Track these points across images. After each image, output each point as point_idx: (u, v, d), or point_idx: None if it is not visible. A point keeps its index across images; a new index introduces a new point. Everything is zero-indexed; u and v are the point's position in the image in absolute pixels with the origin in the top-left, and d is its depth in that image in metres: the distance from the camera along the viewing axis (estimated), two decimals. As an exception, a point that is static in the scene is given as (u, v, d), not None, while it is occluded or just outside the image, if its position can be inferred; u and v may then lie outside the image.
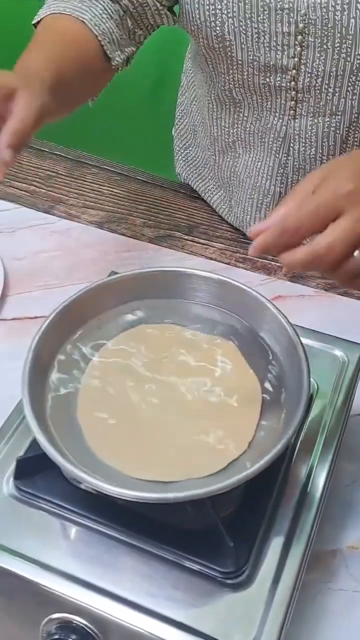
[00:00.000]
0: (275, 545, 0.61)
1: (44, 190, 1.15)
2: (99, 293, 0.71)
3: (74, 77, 0.82)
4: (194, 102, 1.09)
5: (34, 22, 0.89)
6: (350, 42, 0.79)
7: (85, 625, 0.57)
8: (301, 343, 0.65)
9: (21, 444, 0.67)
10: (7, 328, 0.93)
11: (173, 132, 1.22)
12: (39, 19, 0.88)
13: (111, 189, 1.16)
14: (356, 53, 0.80)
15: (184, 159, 1.18)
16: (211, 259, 1.04)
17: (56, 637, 0.58)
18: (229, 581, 0.58)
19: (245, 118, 0.94)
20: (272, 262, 1.04)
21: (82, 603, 0.57)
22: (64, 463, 0.57)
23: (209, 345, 0.70)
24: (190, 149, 1.15)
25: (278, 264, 1.03)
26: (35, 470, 0.64)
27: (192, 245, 1.06)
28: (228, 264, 1.03)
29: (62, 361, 0.68)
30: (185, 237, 1.08)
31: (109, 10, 0.87)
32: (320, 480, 0.66)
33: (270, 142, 0.94)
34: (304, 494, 0.65)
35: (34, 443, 0.66)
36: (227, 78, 0.90)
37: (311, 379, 0.63)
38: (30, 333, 0.67)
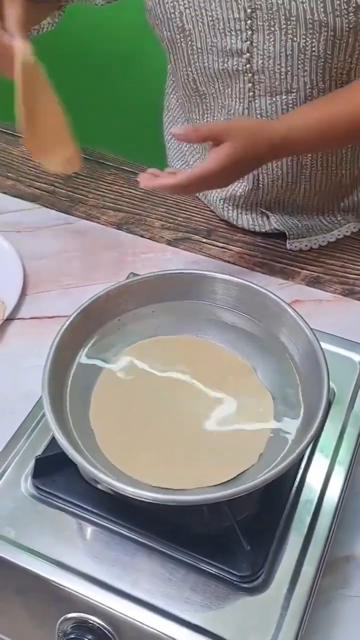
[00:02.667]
0: (292, 550, 0.61)
1: (64, 191, 1.15)
2: (120, 294, 0.71)
3: None
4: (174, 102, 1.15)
5: None
6: (294, 23, 0.85)
7: (102, 626, 0.58)
8: (321, 348, 0.65)
9: (40, 443, 0.68)
10: (26, 327, 0.93)
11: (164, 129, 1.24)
12: None
13: (130, 190, 1.16)
14: (301, 33, 0.86)
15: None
16: (229, 262, 1.04)
17: (72, 636, 0.58)
18: (245, 585, 0.59)
19: (211, 108, 1.00)
20: (289, 267, 1.04)
21: (98, 603, 0.57)
22: (84, 463, 0.57)
23: (223, 359, 0.71)
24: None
25: (295, 269, 1.03)
26: (53, 469, 0.64)
27: (210, 249, 1.06)
28: (246, 267, 1.03)
29: (81, 362, 0.68)
30: (204, 240, 1.08)
31: None
32: (337, 486, 0.66)
33: None
34: (321, 499, 0.65)
35: (53, 442, 0.66)
36: (191, 69, 0.96)
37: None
38: (49, 332, 0.67)
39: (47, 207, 1.12)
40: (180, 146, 1.19)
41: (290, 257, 1.05)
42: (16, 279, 0.97)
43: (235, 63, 0.91)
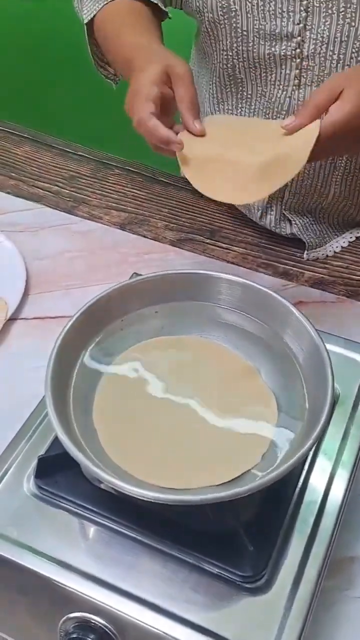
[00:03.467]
0: (295, 550, 0.61)
1: (67, 191, 1.15)
2: (124, 294, 0.71)
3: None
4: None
5: (86, 20, 0.94)
6: (355, 6, 0.81)
7: (104, 625, 0.57)
8: (325, 349, 0.64)
9: (42, 442, 0.68)
10: (28, 327, 0.93)
11: None
12: (93, 14, 0.93)
13: (133, 191, 1.17)
14: None
15: None
16: (233, 263, 1.04)
17: (74, 636, 0.58)
18: (247, 585, 0.58)
19: (249, 96, 0.95)
20: (294, 268, 1.04)
21: (100, 603, 0.57)
22: (87, 463, 0.57)
23: (227, 359, 0.71)
24: None
25: (299, 270, 1.03)
26: (55, 469, 0.64)
27: (214, 249, 1.06)
28: (249, 268, 1.03)
29: (84, 362, 0.68)
30: (207, 241, 1.08)
31: None
32: (341, 486, 0.66)
33: (274, 117, 0.95)
34: (325, 500, 0.64)
35: (55, 442, 0.66)
36: (231, 54, 0.91)
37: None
38: (51, 333, 0.67)
39: (50, 207, 1.12)
40: None
41: (294, 258, 1.05)
42: (19, 279, 0.97)
43: (283, 47, 0.86)
